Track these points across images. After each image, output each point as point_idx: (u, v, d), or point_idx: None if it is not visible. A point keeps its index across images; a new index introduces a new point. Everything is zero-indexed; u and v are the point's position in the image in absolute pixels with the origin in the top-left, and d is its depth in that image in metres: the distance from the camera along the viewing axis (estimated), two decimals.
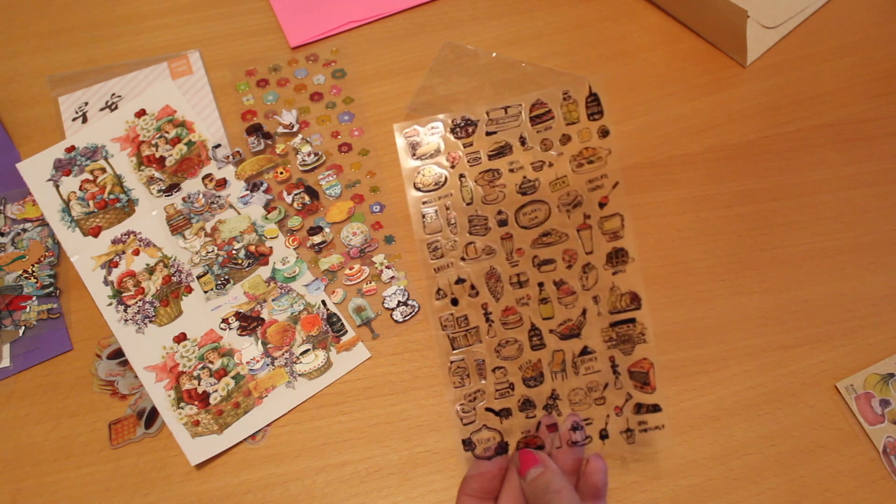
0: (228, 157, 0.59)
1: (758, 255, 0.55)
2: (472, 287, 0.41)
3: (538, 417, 0.41)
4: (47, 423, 0.50)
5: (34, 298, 0.54)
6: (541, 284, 0.42)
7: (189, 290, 0.54)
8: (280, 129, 0.61)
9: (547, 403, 0.41)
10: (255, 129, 0.61)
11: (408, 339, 0.52)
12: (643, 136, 0.61)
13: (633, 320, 0.42)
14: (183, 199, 0.58)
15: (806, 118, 0.61)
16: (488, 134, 0.41)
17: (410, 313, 0.52)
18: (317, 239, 0.56)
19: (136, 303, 0.53)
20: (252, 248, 0.55)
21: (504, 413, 0.41)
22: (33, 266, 0.55)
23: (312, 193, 0.58)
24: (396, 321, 0.52)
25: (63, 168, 0.59)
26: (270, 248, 0.55)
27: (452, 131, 0.41)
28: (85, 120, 0.62)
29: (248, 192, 0.58)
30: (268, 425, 0.49)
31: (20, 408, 0.50)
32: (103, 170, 0.59)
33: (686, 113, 0.62)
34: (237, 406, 0.49)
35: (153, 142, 0.60)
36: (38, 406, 0.50)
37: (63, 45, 0.67)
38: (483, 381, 0.42)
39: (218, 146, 0.60)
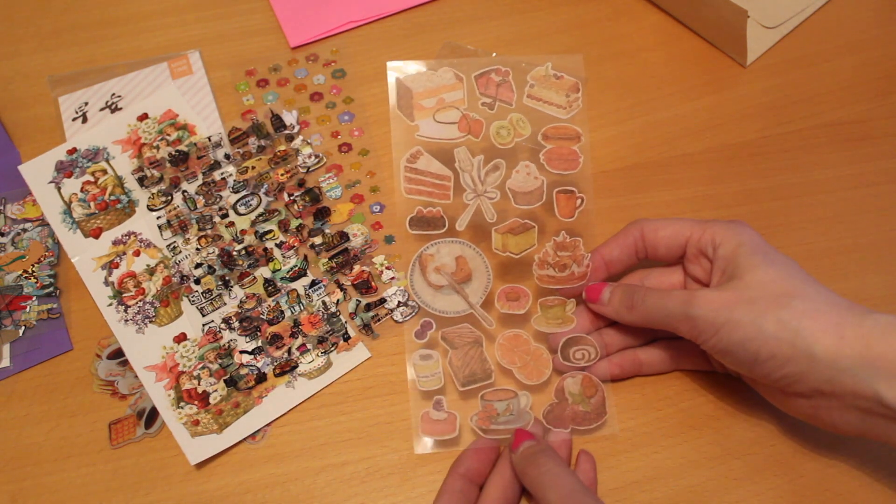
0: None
1: None
2: (210, 267, 0.53)
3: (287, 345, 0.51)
4: (47, 423, 0.50)
5: (34, 298, 0.54)
6: (265, 249, 0.54)
7: (189, 290, 0.54)
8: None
9: (293, 332, 0.51)
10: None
11: (408, 339, 0.52)
12: (643, 136, 0.61)
13: (345, 250, 0.54)
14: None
15: (806, 118, 0.61)
16: (199, 157, 0.58)
17: (410, 313, 0.52)
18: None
19: (137, 303, 0.53)
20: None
21: (256, 351, 0.51)
22: (33, 266, 0.55)
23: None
24: (396, 321, 0.52)
25: (65, 170, 0.59)
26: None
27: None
28: (85, 120, 0.62)
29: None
30: (268, 425, 0.49)
31: (20, 408, 0.50)
32: (104, 171, 0.59)
33: (686, 113, 0.62)
34: (237, 406, 0.49)
35: (154, 144, 0.60)
36: (38, 406, 0.50)
37: (63, 45, 0.67)
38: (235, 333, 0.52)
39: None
